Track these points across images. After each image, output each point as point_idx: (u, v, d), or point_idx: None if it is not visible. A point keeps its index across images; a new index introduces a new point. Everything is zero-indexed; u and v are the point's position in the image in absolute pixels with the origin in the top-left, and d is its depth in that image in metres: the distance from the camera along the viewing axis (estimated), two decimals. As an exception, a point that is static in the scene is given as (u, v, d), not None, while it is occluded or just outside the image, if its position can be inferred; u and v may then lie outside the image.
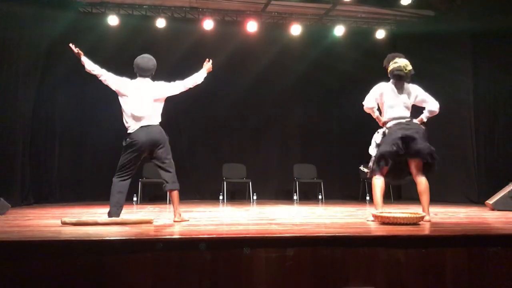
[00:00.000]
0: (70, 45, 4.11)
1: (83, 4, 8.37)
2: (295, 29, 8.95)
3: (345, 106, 9.62)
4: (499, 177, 7.12)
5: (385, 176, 4.12)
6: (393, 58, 4.25)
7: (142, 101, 4.01)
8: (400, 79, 4.17)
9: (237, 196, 9.17)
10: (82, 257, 2.51)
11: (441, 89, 8.69)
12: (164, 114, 4.23)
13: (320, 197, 8.60)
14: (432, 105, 4.21)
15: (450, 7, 8.48)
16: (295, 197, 8.65)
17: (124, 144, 4.01)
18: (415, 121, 4.18)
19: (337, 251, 2.68)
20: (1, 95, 6.94)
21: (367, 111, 4.29)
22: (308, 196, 9.18)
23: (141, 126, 3.98)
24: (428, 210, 4.02)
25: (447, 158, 8.55)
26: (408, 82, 4.24)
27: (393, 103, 4.18)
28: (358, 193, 9.02)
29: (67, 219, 3.69)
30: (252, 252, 2.59)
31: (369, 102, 4.23)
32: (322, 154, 9.47)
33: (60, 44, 8.07)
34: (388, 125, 4.15)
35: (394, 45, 9.57)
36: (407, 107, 4.20)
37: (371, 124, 4.50)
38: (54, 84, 8.08)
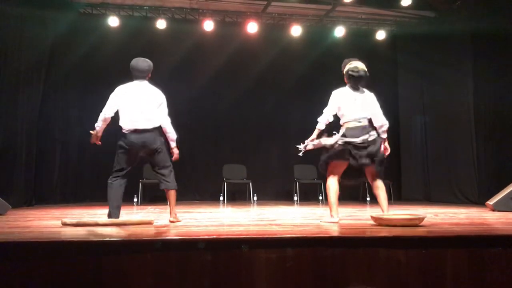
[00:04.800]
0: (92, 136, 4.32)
1: (83, 5, 8.37)
2: (295, 30, 8.96)
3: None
4: (499, 177, 7.13)
5: (340, 177, 4.18)
6: (349, 61, 4.21)
7: (137, 104, 4.03)
8: (355, 79, 4.10)
9: (238, 197, 9.17)
10: (82, 258, 2.50)
11: (441, 90, 8.72)
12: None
13: (320, 197, 8.60)
14: (378, 119, 4.06)
15: (450, 8, 8.48)
16: (295, 198, 8.64)
17: (118, 143, 4.05)
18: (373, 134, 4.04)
19: (338, 252, 2.67)
20: (2, 97, 6.95)
21: (320, 123, 4.17)
22: (309, 196, 9.17)
23: (135, 129, 3.99)
24: (387, 208, 4.03)
25: (448, 158, 8.59)
26: (363, 86, 4.17)
27: (350, 105, 4.07)
28: (358, 193, 9.02)
29: (67, 220, 3.69)
30: (253, 253, 2.59)
31: (329, 114, 4.13)
32: (323, 155, 9.45)
33: (61, 45, 8.09)
34: (343, 131, 4.05)
35: (394, 46, 9.58)
36: (364, 109, 4.07)
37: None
38: (55, 85, 8.08)
